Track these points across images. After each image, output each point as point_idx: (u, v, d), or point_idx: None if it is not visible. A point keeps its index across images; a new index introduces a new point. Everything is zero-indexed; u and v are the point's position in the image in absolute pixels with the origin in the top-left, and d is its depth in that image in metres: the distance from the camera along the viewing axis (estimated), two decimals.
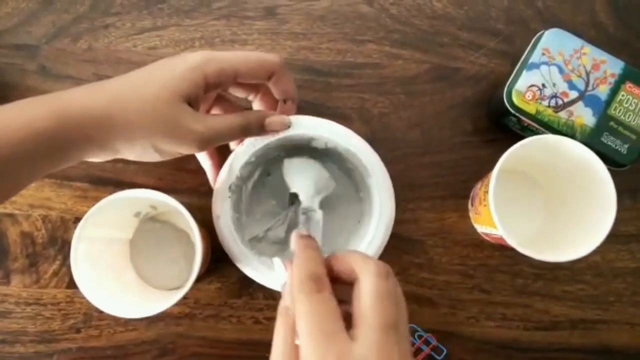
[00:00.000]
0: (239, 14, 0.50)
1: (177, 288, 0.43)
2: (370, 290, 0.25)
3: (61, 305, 0.45)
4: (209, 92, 0.36)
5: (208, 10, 0.50)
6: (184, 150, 0.35)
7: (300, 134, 0.40)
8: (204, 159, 0.43)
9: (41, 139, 0.30)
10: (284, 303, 0.28)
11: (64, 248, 0.46)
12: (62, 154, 0.32)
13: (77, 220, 0.46)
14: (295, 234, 0.31)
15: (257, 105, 0.42)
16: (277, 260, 0.32)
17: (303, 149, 0.43)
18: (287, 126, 0.39)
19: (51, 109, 0.31)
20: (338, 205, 0.45)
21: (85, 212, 0.38)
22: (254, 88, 0.41)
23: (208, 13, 0.50)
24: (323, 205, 0.41)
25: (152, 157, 0.35)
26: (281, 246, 0.44)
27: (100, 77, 0.49)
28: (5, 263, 0.46)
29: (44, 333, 0.45)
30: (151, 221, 0.46)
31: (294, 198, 0.43)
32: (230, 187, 0.40)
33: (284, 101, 0.40)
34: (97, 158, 0.34)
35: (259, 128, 0.38)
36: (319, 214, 0.39)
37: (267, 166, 0.45)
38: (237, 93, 0.41)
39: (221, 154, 0.42)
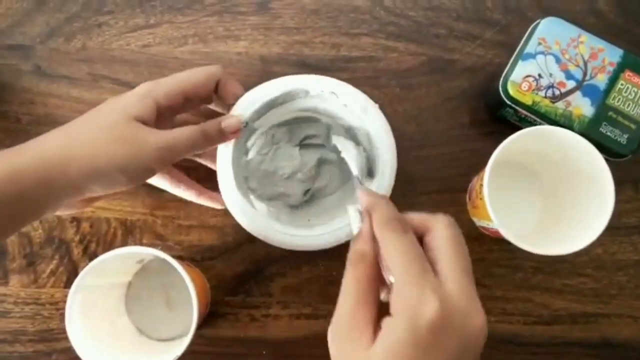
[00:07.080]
0: (231, 9, 0.50)
1: (172, 338, 0.44)
2: (449, 238, 0.28)
3: (59, 305, 0.45)
4: (165, 117, 0.38)
5: (201, 6, 0.50)
6: (148, 164, 0.35)
7: (297, 87, 0.43)
8: (186, 194, 0.44)
9: (27, 182, 0.31)
10: (359, 249, 0.29)
11: (61, 247, 0.46)
12: (45, 198, 0.33)
13: (74, 219, 0.46)
14: (363, 189, 0.32)
15: None
16: (351, 208, 0.32)
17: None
18: (243, 124, 0.40)
19: (33, 155, 0.32)
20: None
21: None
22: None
23: (201, 10, 0.50)
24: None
25: (120, 181, 0.35)
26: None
27: (94, 77, 0.49)
28: (4, 263, 0.46)
29: (43, 332, 0.45)
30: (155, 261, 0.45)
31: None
32: None
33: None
34: (71, 207, 0.38)
35: (218, 132, 0.38)
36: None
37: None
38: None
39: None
